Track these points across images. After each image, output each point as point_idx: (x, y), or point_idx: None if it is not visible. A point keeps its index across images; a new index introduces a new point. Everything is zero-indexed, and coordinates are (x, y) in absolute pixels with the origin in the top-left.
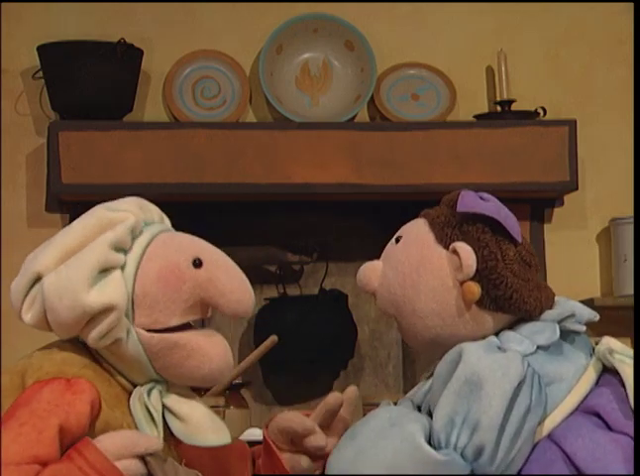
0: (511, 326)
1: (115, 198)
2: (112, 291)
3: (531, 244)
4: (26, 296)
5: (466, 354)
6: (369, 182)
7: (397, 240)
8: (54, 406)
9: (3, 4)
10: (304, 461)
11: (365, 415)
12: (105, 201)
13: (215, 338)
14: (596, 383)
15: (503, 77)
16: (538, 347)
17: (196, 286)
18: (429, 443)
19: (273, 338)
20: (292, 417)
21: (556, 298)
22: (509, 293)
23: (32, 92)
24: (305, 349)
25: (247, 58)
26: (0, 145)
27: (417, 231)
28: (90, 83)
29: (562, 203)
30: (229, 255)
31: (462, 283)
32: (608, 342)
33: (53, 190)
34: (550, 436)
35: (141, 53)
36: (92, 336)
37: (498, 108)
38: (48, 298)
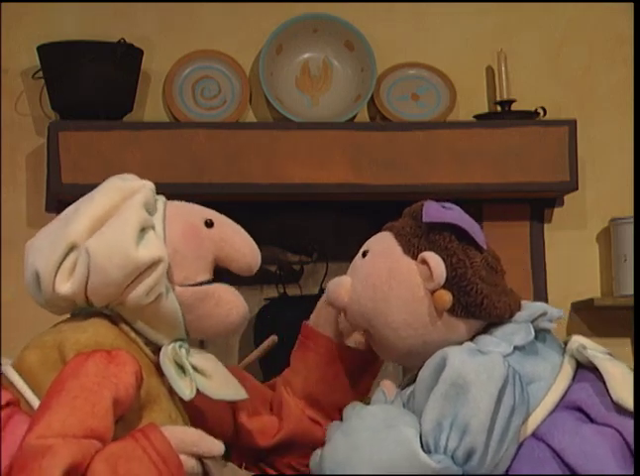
0: (484, 331)
1: None
2: (155, 246)
3: (531, 244)
4: (58, 268)
5: (450, 358)
6: (369, 182)
7: (364, 254)
8: (102, 378)
9: (3, 4)
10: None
11: None
12: None
13: (232, 288)
14: (573, 379)
15: (503, 77)
16: (515, 348)
17: (212, 243)
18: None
19: (273, 338)
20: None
21: (522, 302)
22: (480, 298)
23: (32, 92)
24: None
25: (247, 58)
26: (0, 145)
27: (383, 244)
28: (90, 83)
29: (562, 203)
30: None
31: (432, 292)
32: (578, 340)
33: (53, 190)
34: (535, 434)
35: (141, 53)
36: (138, 293)
37: (498, 108)
38: (95, 262)
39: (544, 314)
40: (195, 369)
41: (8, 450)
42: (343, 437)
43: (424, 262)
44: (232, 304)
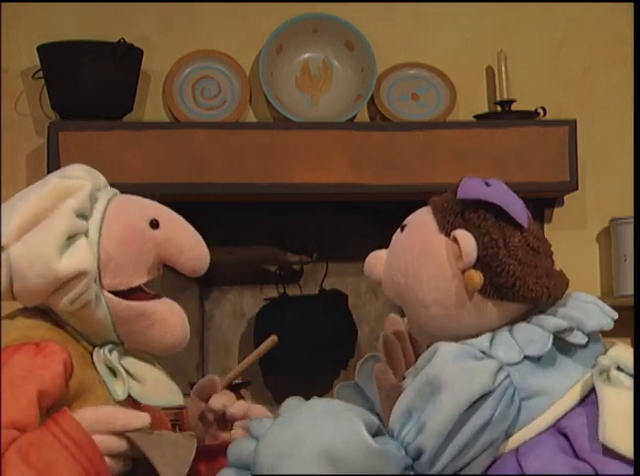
0: (513, 322)
1: None
2: (81, 257)
3: None
4: None
5: (437, 355)
6: (369, 182)
7: (402, 228)
8: (28, 371)
9: (3, 4)
10: None
11: None
12: None
13: (175, 308)
14: (583, 400)
15: (503, 77)
16: (525, 357)
17: (155, 246)
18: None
19: (273, 338)
20: None
21: (574, 294)
22: (512, 280)
23: (32, 92)
24: (305, 349)
25: (247, 58)
26: (0, 145)
27: (421, 219)
28: (90, 83)
29: (562, 203)
30: (229, 255)
31: (463, 271)
32: (614, 356)
33: None
34: (516, 451)
35: (141, 53)
36: (63, 302)
37: (498, 108)
38: (17, 268)
39: (570, 330)
40: (127, 373)
41: None
42: (280, 429)
43: (455, 240)
44: (169, 327)
